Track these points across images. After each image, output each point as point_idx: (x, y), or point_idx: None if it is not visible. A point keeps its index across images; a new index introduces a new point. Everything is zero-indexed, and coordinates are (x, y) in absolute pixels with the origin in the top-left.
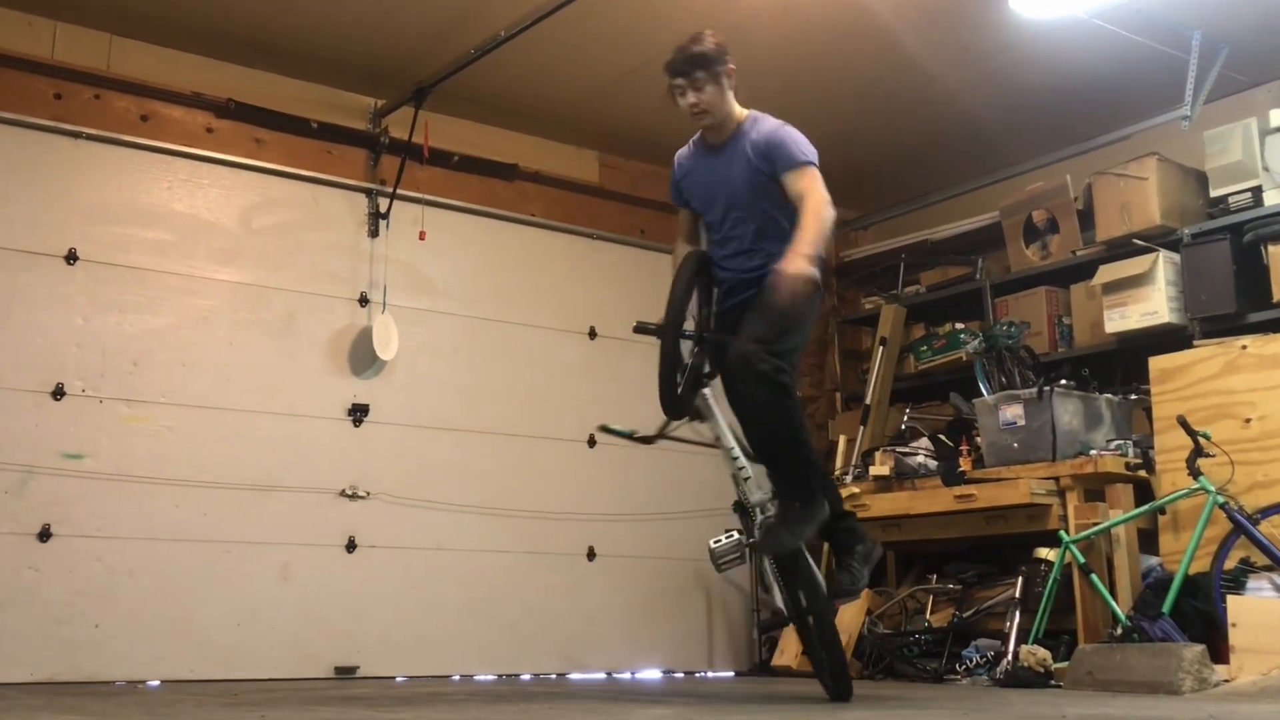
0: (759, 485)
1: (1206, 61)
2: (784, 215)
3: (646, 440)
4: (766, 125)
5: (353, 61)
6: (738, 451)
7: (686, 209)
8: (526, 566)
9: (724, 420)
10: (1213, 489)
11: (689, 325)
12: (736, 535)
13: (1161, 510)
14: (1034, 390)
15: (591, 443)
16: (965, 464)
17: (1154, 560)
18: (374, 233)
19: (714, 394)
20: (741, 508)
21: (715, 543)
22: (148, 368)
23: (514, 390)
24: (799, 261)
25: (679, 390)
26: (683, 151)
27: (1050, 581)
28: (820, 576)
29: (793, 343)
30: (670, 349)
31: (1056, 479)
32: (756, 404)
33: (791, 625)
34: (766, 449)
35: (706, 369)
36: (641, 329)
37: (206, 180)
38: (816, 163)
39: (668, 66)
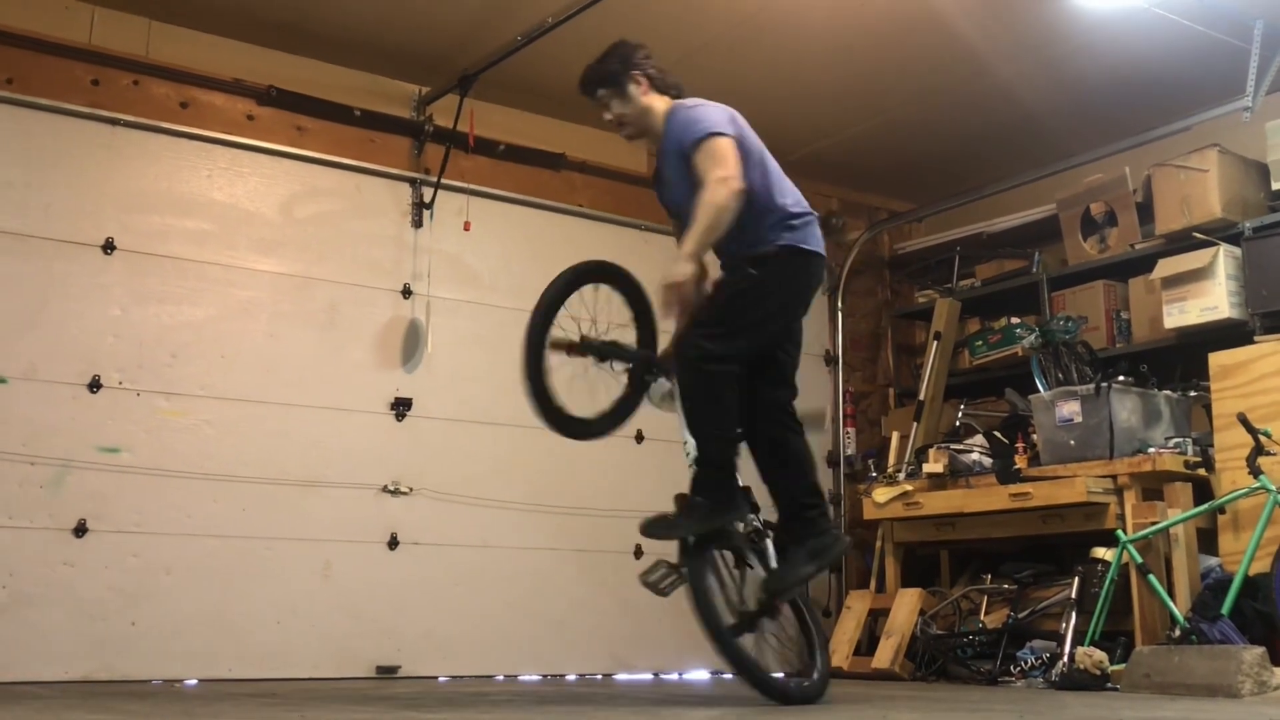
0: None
1: (1269, 51)
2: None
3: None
4: (681, 112)
5: (397, 48)
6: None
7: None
8: (572, 564)
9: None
10: (1274, 488)
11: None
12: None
13: (1221, 509)
14: (1091, 386)
15: (639, 438)
16: (1021, 461)
17: (1213, 561)
18: (418, 223)
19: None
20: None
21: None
22: (186, 360)
23: (560, 383)
24: (672, 268)
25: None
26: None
27: (1107, 582)
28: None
29: (730, 328)
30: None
31: (1114, 477)
32: (682, 386)
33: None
34: (690, 431)
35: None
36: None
37: (247, 169)
38: (721, 131)
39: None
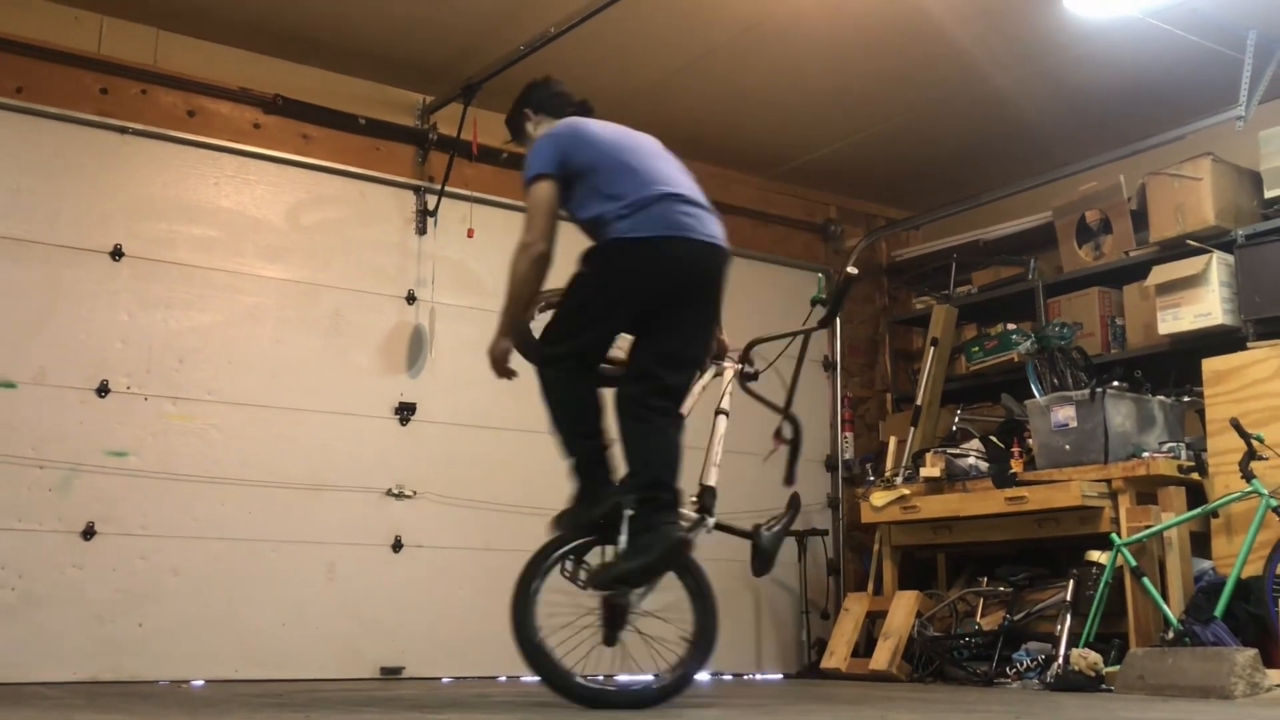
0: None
1: (1262, 61)
2: (586, 208)
3: None
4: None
5: (401, 57)
6: None
7: None
8: None
9: None
10: (1266, 492)
11: None
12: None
13: (1214, 513)
14: (1086, 392)
15: None
16: (1016, 466)
17: (1206, 564)
18: (422, 230)
19: None
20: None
21: None
22: (193, 365)
23: None
24: (492, 343)
25: None
26: None
27: (1102, 584)
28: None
29: (561, 329)
30: None
31: (1108, 481)
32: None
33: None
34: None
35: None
36: None
37: (254, 176)
38: (538, 174)
39: None
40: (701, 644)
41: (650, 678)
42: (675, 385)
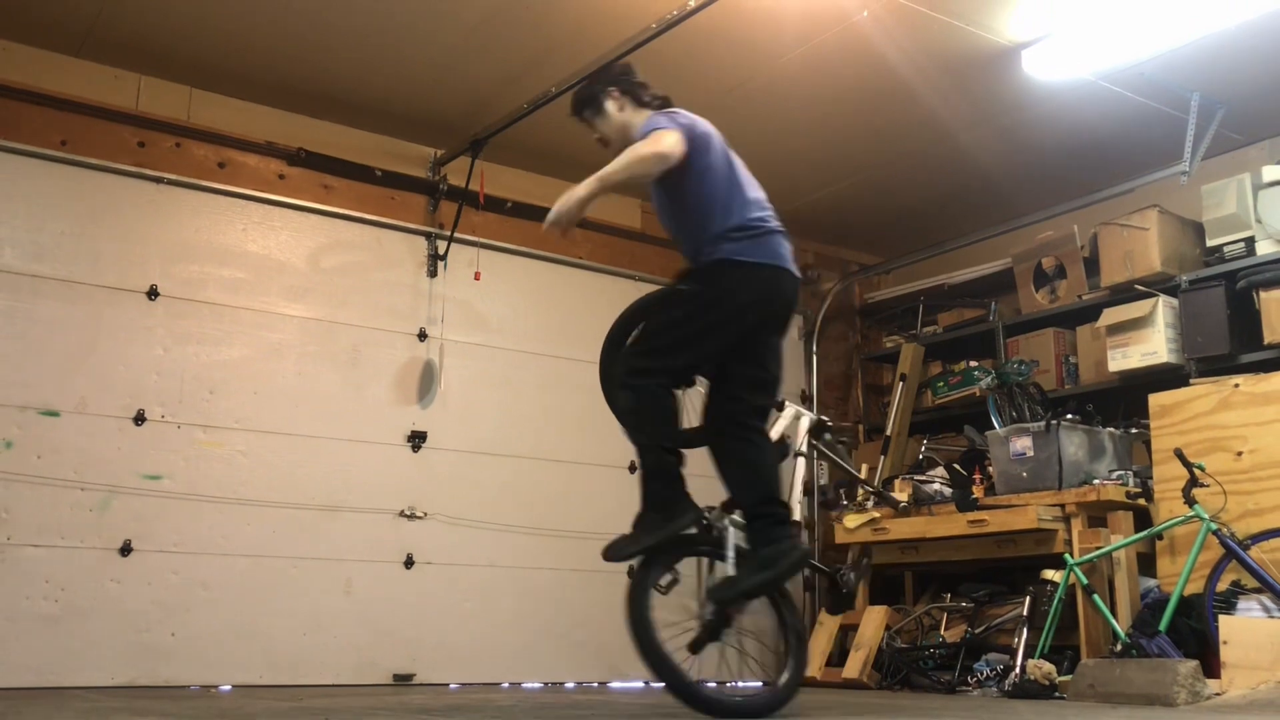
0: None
1: (1204, 121)
2: (691, 216)
3: None
4: (649, 121)
5: (415, 115)
6: None
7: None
8: (572, 582)
9: None
10: (1207, 516)
11: None
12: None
13: (1159, 536)
14: (1042, 424)
15: (633, 468)
16: (978, 491)
17: (1152, 582)
18: (433, 273)
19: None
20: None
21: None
22: (222, 396)
23: (561, 419)
24: (575, 188)
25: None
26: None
27: (1055, 601)
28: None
29: (657, 345)
30: None
31: (1062, 506)
32: (618, 401)
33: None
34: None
35: None
36: None
37: (278, 223)
38: (664, 126)
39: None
40: (799, 652)
41: (760, 685)
42: (763, 406)
